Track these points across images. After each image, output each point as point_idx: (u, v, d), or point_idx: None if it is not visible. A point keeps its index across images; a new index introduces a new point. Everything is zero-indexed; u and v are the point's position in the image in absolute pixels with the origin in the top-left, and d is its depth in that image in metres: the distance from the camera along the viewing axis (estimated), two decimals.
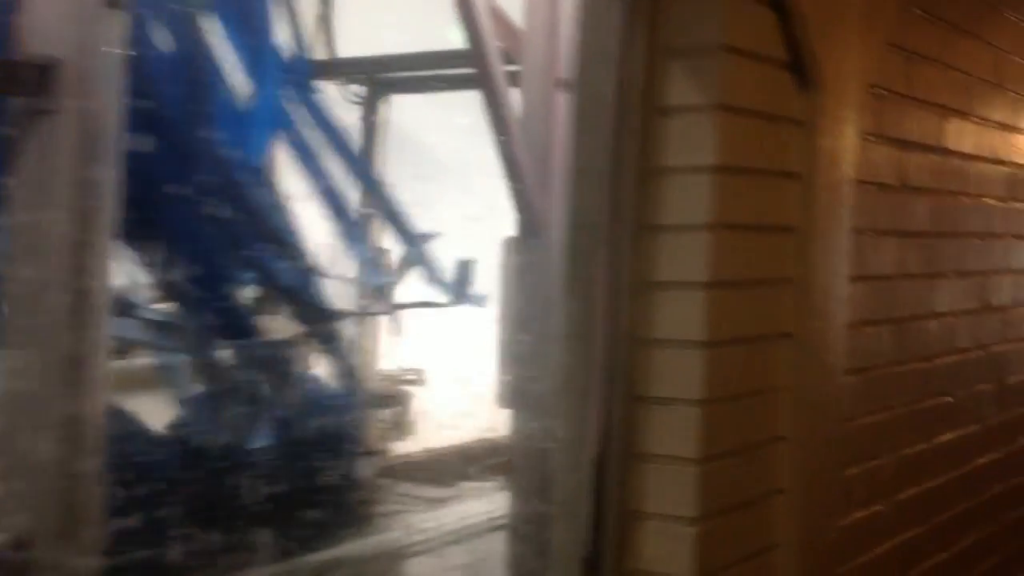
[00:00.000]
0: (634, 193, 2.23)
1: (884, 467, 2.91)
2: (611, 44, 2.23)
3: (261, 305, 5.39)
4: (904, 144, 2.92)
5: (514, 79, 4.92)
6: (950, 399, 3.27)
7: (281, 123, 5.58)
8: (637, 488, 2.25)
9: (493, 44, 5.10)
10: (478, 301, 6.63)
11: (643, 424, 2.25)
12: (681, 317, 2.22)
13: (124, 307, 4.73)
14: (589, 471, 2.25)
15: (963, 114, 3.24)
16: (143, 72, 4.13)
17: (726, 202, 2.24)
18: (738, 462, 2.33)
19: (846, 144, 2.55)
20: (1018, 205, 3.73)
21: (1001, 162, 3.54)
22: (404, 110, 7.86)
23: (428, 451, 7.51)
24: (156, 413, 5.12)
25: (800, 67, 2.41)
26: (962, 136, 3.25)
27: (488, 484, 6.78)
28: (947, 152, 3.16)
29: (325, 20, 7.85)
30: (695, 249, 2.21)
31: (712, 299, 2.21)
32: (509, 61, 4.93)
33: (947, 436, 3.27)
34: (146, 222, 4.54)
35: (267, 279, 5.39)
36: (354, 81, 8.17)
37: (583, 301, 2.27)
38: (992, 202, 3.49)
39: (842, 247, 2.58)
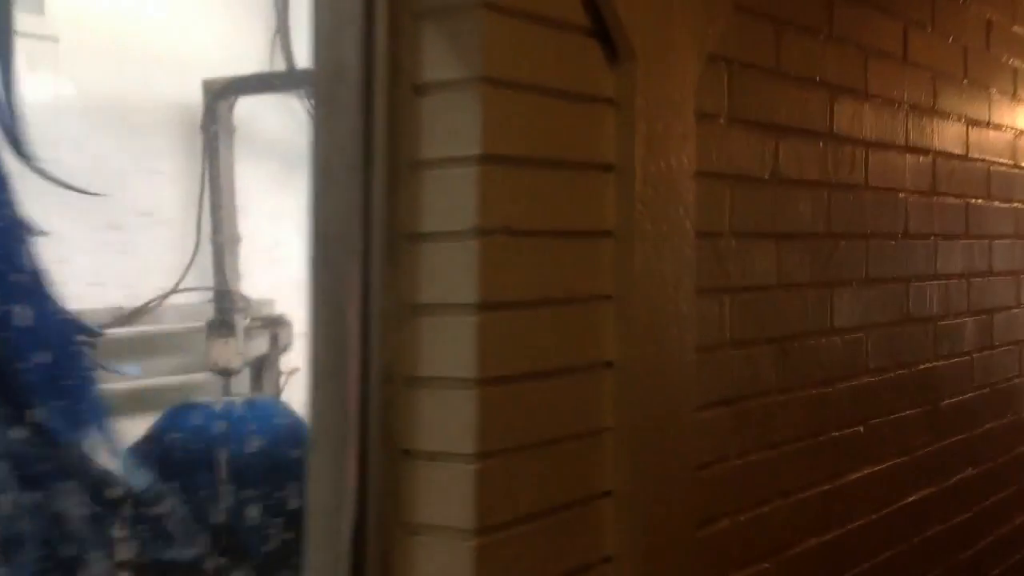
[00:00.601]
0: (387, 193, 1.77)
1: (769, 517, 2.42)
2: (353, 3, 1.77)
3: None
4: (775, 129, 2.45)
5: None
6: (860, 429, 2.78)
7: None
8: (404, 570, 1.77)
9: None
10: None
11: (410, 486, 1.77)
12: (449, 348, 1.75)
13: None
14: (346, 548, 1.77)
15: (859, 94, 2.77)
16: None
17: (503, 201, 1.78)
18: (543, 528, 1.85)
19: (679, 128, 2.08)
20: (948, 200, 3.26)
21: (918, 150, 3.07)
22: None
23: None
24: None
25: (606, 33, 1.95)
26: (859, 120, 2.77)
27: None
28: (839, 139, 2.69)
29: (282, 29, 7.44)
30: (462, 262, 1.74)
31: (486, 324, 1.74)
32: None
33: (860, 473, 2.78)
34: None
35: None
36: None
37: (332, 330, 1.80)
38: (907, 196, 3.01)
39: (682, 254, 2.10)
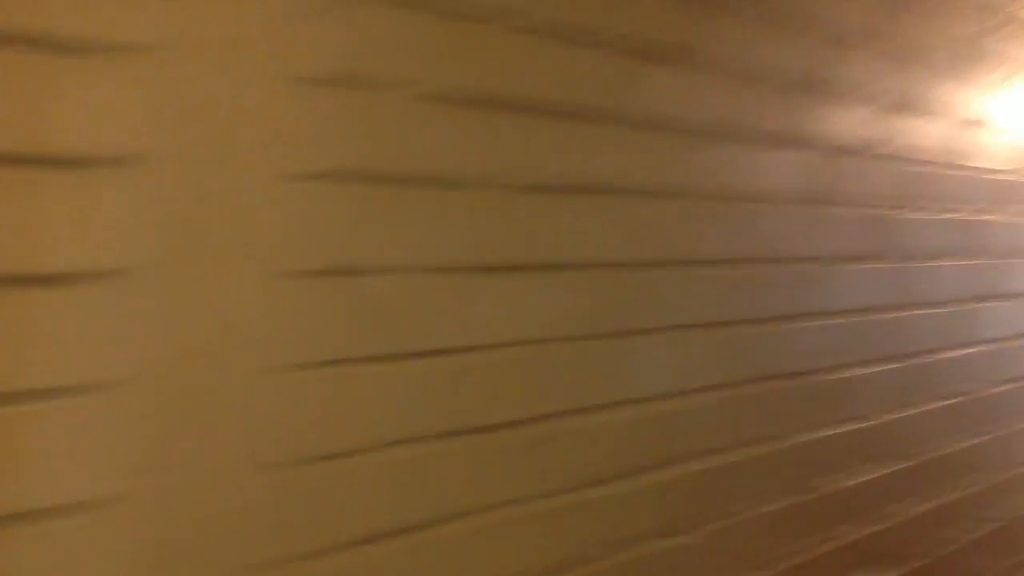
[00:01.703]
0: None
1: None
2: None
3: None
4: (512, 109, 1.63)
5: None
6: (684, 540, 1.95)
7: None
8: None
9: None
10: None
11: None
12: None
13: None
14: None
15: (676, 61, 1.95)
16: None
17: None
18: None
19: (248, 101, 1.27)
20: (842, 211, 2.42)
21: (788, 143, 2.23)
22: None
23: None
24: None
25: None
26: (676, 99, 1.95)
27: None
28: (637, 125, 1.86)
29: None
30: None
31: None
32: None
33: None
34: None
35: None
36: None
37: None
38: (768, 206, 2.18)
39: (246, 306, 1.29)
